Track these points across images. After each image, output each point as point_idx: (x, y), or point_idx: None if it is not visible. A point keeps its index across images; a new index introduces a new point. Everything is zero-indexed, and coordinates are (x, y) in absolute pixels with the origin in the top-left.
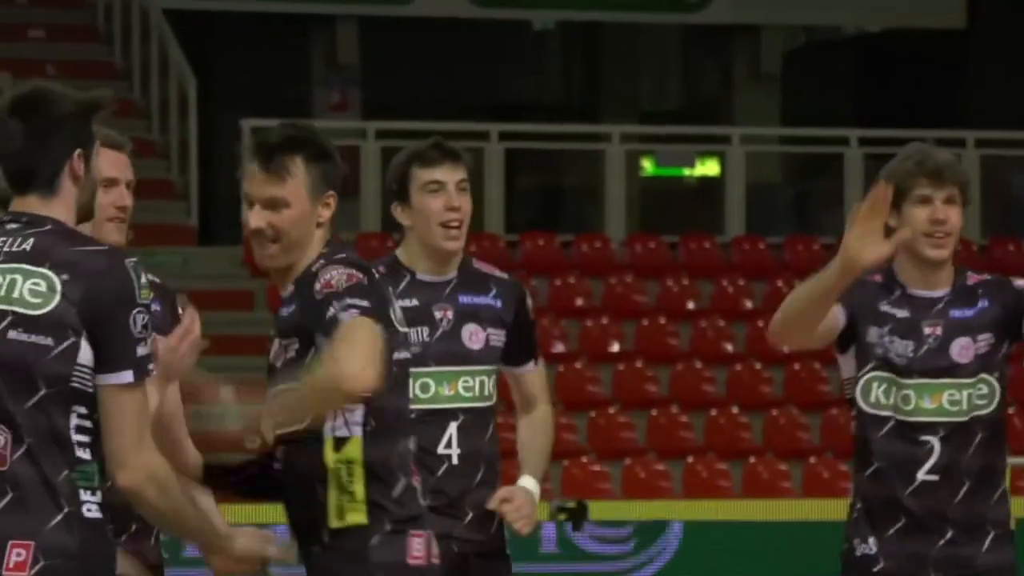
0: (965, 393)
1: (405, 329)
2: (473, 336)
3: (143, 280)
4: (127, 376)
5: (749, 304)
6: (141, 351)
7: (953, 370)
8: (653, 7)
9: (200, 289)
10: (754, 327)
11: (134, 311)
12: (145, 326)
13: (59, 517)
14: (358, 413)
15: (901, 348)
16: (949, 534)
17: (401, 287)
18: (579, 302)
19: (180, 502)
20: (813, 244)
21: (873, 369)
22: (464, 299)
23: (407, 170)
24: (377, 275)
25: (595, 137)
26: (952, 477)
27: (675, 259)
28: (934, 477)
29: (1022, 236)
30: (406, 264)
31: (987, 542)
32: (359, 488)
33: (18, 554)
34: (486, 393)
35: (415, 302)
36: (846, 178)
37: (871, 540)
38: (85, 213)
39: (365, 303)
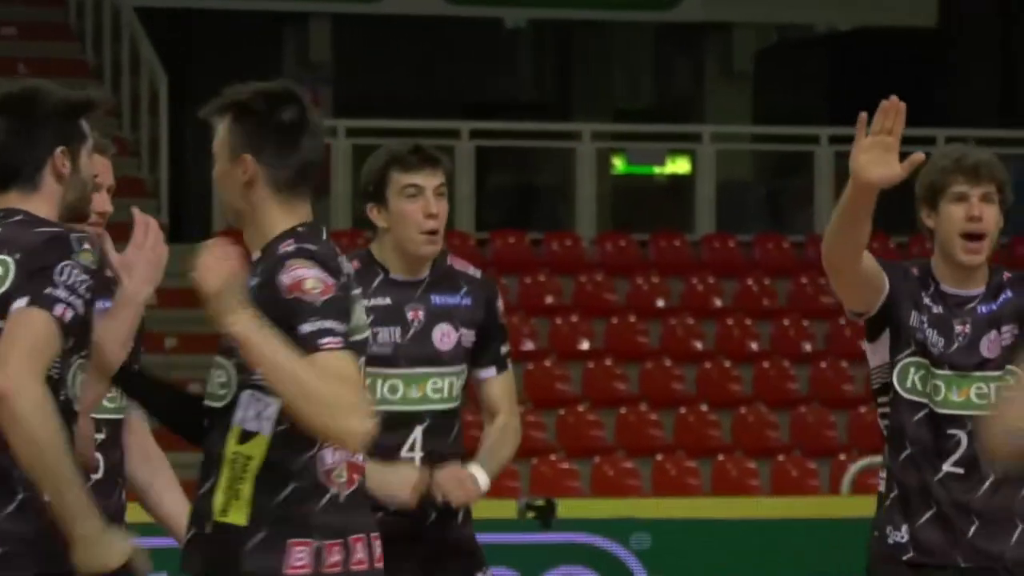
0: (993, 386)
1: (366, 333)
2: (444, 337)
3: (85, 246)
4: (22, 301)
5: (719, 302)
6: (50, 291)
7: (982, 365)
8: (625, 5)
9: (171, 287)
10: (724, 325)
11: (63, 263)
12: (74, 283)
13: (15, 504)
14: (272, 408)
15: (934, 339)
16: (975, 526)
17: (374, 285)
18: (549, 300)
19: (55, 437)
20: (783, 242)
21: (911, 354)
22: (436, 299)
23: (385, 173)
24: (348, 269)
25: (566, 135)
26: (977, 470)
27: (645, 257)
28: (959, 470)
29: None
30: (380, 261)
31: (1016, 535)
32: (247, 488)
33: None
34: (454, 395)
35: (387, 301)
36: (817, 176)
37: (904, 528)
38: (75, 212)
39: (342, 327)
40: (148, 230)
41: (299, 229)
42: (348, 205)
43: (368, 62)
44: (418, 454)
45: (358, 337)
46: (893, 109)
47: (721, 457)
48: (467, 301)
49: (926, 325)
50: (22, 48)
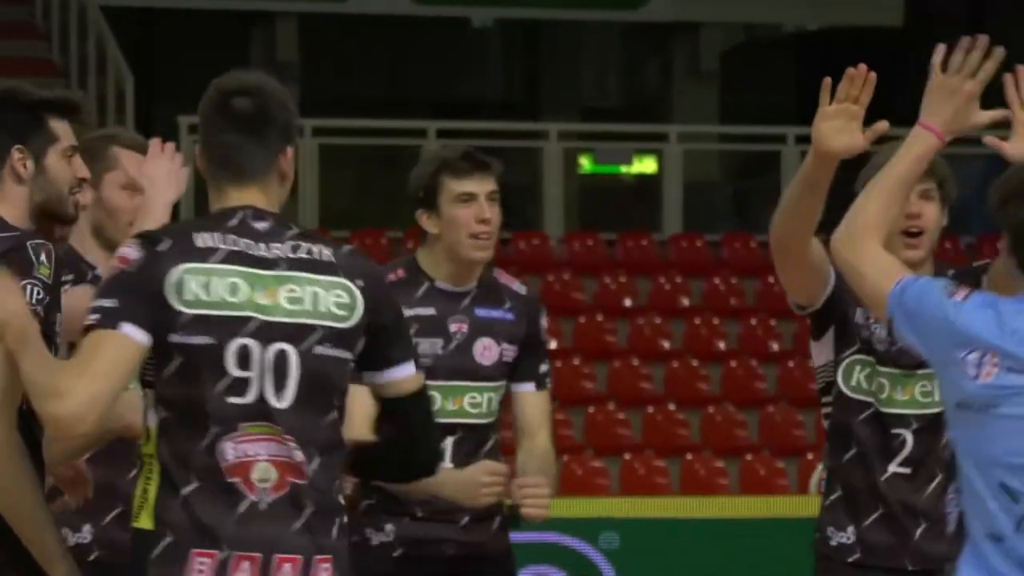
0: (937, 383)
1: (192, 311)
2: (485, 351)
3: (42, 259)
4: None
5: (687, 302)
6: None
7: (926, 364)
8: (593, 5)
9: None
10: (691, 324)
11: (24, 282)
12: (36, 304)
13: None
14: (150, 397)
15: (880, 336)
16: (922, 528)
17: (419, 294)
18: None
19: (25, 480)
20: (751, 242)
21: (856, 352)
22: (480, 312)
23: (437, 179)
24: (394, 278)
25: (533, 135)
26: (924, 470)
27: (613, 256)
28: (905, 470)
29: (960, 233)
30: (426, 270)
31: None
32: (152, 489)
33: None
34: (491, 409)
35: (431, 311)
36: (784, 176)
37: (849, 529)
38: (49, 214)
39: (113, 303)
40: (164, 147)
41: (208, 214)
42: (315, 205)
43: (335, 62)
44: (447, 465)
45: (204, 312)
46: (860, 77)
47: (689, 456)
48: (510, 316)
49: (871, 322)
50: None
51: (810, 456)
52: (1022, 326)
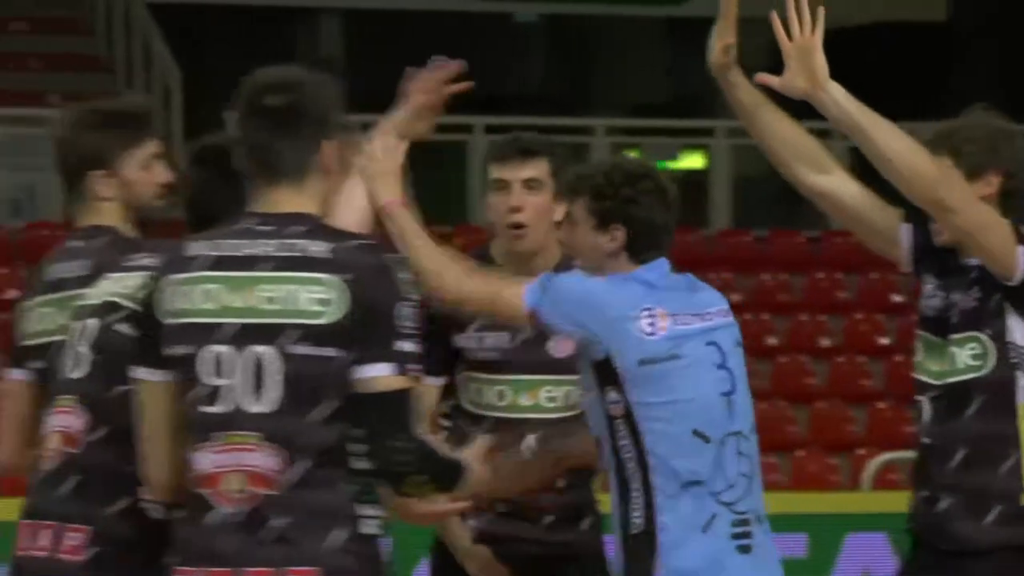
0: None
1: (175, 322)
2: (559, 343)
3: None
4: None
5: (736, 297)
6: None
7: (958, 334)
8: (639, 0)
9: None
10: (741, 320)
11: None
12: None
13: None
14: None
15: (936, 302)
16: (949, 502)
17: None
18: None
19: None
20: (799, 237)
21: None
22: None
23: (487, 166)
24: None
25: (581, 130)
26: (944, 444)
27: None
28: (925, 440)
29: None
30: (495, 259)
31: (991, 516)
32: None
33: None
34: (571, 403)
35: None
36: None
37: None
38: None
39: None
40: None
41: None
42: None
43: (381, 56)
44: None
45: (184, 321)
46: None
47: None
48: None
49: (935, 287)
50: (34, 43)
51: (862, 451)
52: (673, 285)
